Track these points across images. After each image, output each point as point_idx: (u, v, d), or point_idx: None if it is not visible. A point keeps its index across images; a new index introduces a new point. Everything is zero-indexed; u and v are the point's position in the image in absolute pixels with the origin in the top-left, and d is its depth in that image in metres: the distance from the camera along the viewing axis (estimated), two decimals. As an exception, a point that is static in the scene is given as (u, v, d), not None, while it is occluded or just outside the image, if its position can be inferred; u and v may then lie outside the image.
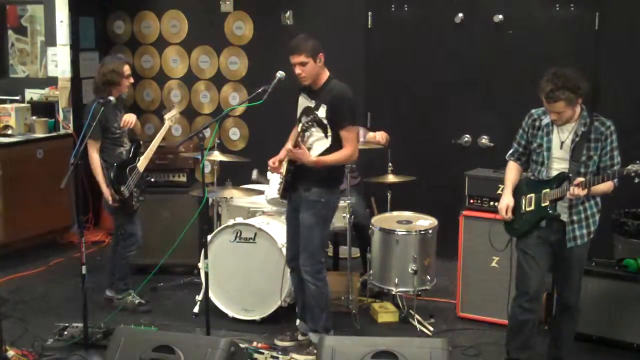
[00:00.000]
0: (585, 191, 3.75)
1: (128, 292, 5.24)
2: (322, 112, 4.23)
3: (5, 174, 6.20)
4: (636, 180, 3.62)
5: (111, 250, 5.31)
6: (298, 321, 4.69)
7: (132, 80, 5.20)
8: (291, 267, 4.59)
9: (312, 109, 4.28)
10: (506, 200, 4.09)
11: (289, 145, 4.35)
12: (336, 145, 4.28)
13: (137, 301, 5.22)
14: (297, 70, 4.22)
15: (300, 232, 4.40)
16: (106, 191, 5.01)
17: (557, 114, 3.82)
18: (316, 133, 4.27)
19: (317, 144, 4.30)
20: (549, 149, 3.95)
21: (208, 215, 5.39)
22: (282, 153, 4.43)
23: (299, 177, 4.34)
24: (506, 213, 4.08)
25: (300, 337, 4.61)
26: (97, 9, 7.34)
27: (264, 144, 4.61)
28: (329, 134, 4.26)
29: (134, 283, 5.27)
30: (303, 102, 4.38)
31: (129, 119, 5.11)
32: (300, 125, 4.04)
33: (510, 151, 4.21)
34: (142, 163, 5.16)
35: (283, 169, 4.39)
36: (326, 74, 4.32)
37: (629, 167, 3.64)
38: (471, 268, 4.97)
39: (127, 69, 5.10)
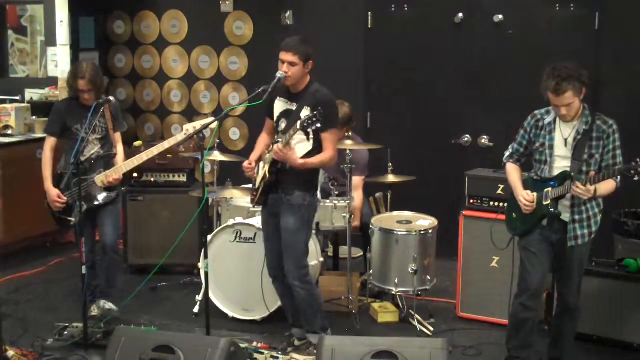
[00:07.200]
0: (592, 188, 3.72)
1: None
2: (304, 115, 4.16)
3: (5, 174, 6.19)
4: (636, 178, 3.62)
5: None
6: (292, 329, 4.64)
7: (87, 97, 4.76)
8: (273, 276, 4.52)
9: (293, 112, 4.25)
10: (523, 193, 4.00)
11: (256, 153, 4.41)
12: (317, 148, 4.25)
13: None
14: (285, 68, 4.18)
15: (282, 238, 4.33)
16: (48, 188, 4.82)
17: (566, 107, 3.80)
18: (298, 136, 4.19)
19: (298, 147, 4.24)
20: (551, 147, 3.95)
21: (208, 215, 5.38)
22: (256, 154, 4.43)
23: (281, 180, 4.29)
24: (528, 201, 3.96)
25: (297, 343, 4.56)
26: (97, 9, 7.34)
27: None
28: (311, 136, 4.23)
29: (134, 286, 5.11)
30: (281, 106, 4.34)
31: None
32: (300, 122, 4.01)
33: (508, 153, 4.19)
34: (100, 178, 4.84)
35: (261, 172, 4.35)
36: (307, 78, 4.29)
37: (632, 164, 3.62)
38: (471, 268, 4.97)
39: (81, 85, 4.72)
